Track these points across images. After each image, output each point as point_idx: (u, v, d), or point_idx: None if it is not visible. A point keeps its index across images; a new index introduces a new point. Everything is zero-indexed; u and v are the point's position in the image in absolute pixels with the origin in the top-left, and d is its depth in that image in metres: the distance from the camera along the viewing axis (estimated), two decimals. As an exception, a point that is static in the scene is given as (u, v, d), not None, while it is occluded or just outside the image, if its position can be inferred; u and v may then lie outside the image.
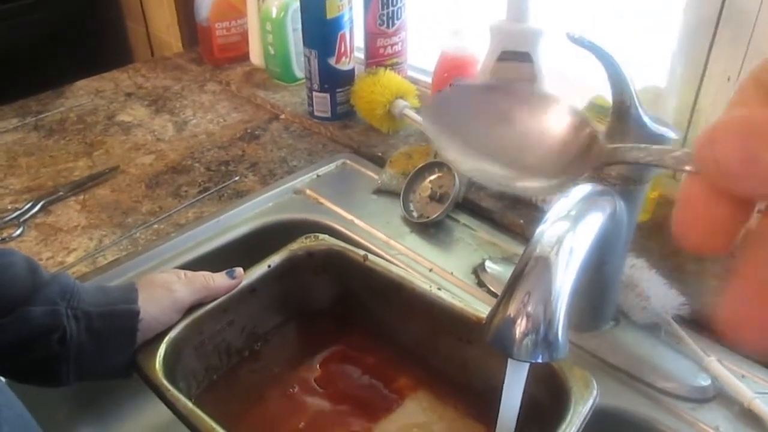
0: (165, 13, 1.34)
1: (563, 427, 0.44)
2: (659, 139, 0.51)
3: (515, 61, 0.79)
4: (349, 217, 0.78)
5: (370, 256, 0.61)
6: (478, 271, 0.70)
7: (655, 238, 0.72)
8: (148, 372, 0.49)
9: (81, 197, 0.84)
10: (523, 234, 0.74)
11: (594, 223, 0.46)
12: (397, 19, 0.93)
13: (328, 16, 0.89)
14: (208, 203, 0.81)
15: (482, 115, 0.31)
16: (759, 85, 0.20)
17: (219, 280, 0.57)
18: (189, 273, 0.57)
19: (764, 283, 0.19)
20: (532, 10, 0.78)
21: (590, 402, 0.47)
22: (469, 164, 0.32)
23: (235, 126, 0.99)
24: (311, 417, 0.56)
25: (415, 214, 0.78)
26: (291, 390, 0.57)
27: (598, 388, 0.49)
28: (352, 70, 0.95)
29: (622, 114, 0.51)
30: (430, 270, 0.70)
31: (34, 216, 0.80)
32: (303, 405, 0.56)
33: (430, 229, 0.76)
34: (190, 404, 0.46)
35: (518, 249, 0.73)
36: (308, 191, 0.83)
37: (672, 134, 0.52)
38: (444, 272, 0.70)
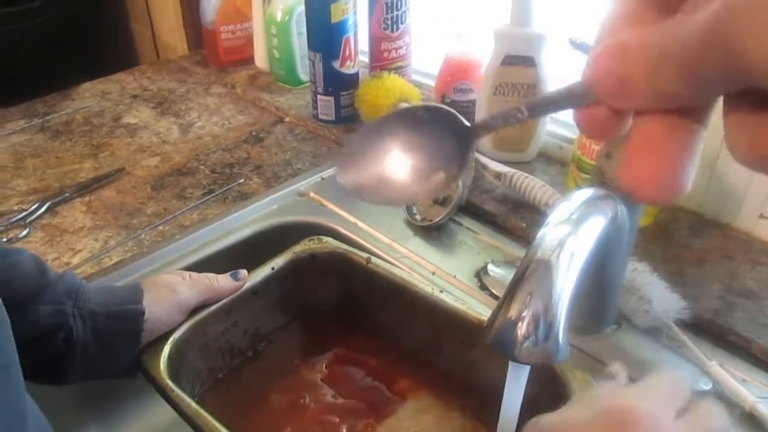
0: (170, 16, 1.35)
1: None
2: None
3: (519, 65, 0.80)
4: (353, 219, 0.79)
5: (373, 259, 0.61)
6: (480, 274, 0.70)
7: (657, 242, 0.72)
8: (153, 372, 0.50)
9: (87, 198, 0.84)
10: (525, 237, 0.75)
11: (595, 226, 0.46)
12: (402, 23, 0.94)
13: (333, 20, 0.90)
14: (213, 205, 0.82)
15: (377, 152, 0.34)
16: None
17: (223, 281, 0.57)
18: (194, 274, 0.57)
19: (650, 143, 0.21)
20: (535, 15, 0.78)
21: None
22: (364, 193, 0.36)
23: (240, 128, 1.00)
24: (314, 418, 0.56)
25: (418, 217, 0.78)
26: (294, 391, 0.58)
27: (598, 391, 0.49)
28: (357, 74, 0.96)
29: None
30: (433, 273, 0.70)
31: (40, 217, 0.80)
32: (306, 406, 0.57)
33: (434, 232, 0.77)
34: (194, 404, 0.46)
35: (521, 252, 0.73)
36: (312, 194, 0.83)
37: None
38: (447, 275, 0.70)
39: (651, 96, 0.20)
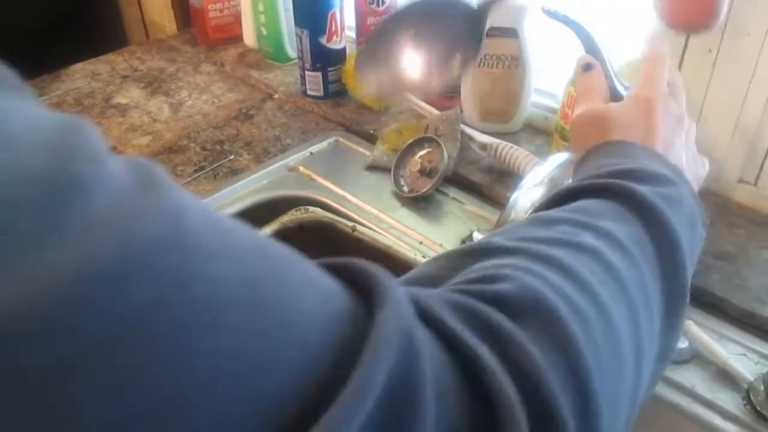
0: (159, -4, 1.35)
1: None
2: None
3: (502, 36, 0.81)
4: (342, 192, 0.80)
5: (358, 227, 0.63)
6: (466, 242, 0.72)
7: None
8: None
9: (80, 178, 0.85)
10: (510, 206, 0.76)
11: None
12: (387, -3, 0.95)
13: (319, -4, 0.90)
14: (204, 182, 0.83)
15: (393, 52, 0.39)
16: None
17: None
18: None
19: None
20: (517, -13, 0.79)
21: None
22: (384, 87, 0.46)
23: (230, 106, 1.01)
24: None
25: (405, 188, 0.80)
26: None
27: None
28: (344, 49, 0.96)
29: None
30: (421, 243, 0.72)
31: (34, 196, 0.82)
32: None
33: (421, 203, 0.78)
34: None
35: (506, 221, 0.75)
36: (302, 168, 0.85)
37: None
38: (434, 244, 0.72)
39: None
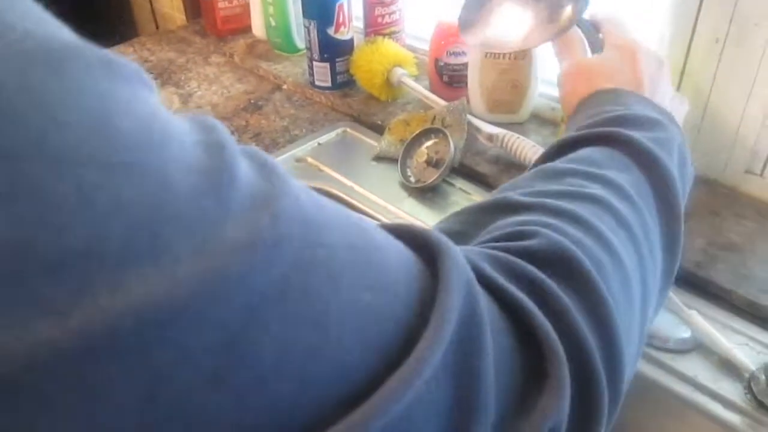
0: (168, -13, 1.36)
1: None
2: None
3: (509, 27, 0.81)
4: (349, 183, 0.81)
5: (363, 217, 0.64)
6: (472, 232, 0.72)
7: (645, 198, 0.74)
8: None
9: (92, 169, 0.87)
10: (516, 197, 0.77)
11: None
12: (395, -12, 0.95)
13: (326, -13, 0.91)
14: (214, 172, 0.84)
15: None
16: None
17: None
18: None
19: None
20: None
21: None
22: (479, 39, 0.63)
23: (239, 97, 1.01)
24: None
25: (412, 179, 0.80)
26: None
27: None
28: (351, 40, 0.97)
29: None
30: (427, 233, 0.73)
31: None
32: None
33: (427, 194, 0.79)
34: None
35: (512, 211, 0.75)
36: (310, 159, 0.86)
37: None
38: (440, 235, 0.72)
39: None
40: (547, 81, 0.89)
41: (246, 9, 1.15)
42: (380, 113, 0.93)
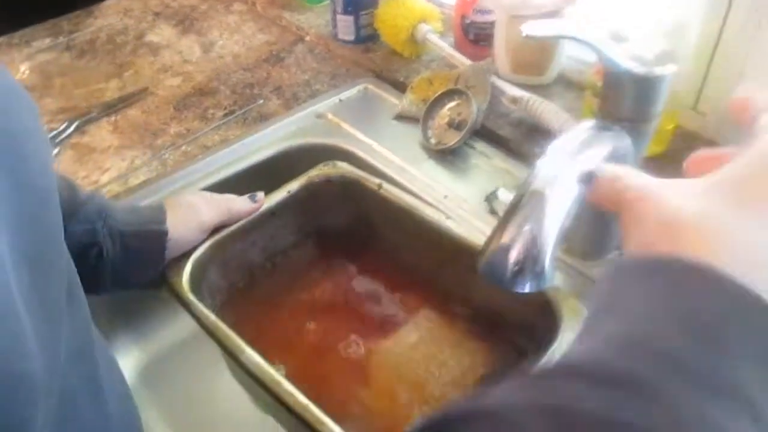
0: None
1: (551, 351, 0.48)
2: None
3: (539, -14, 0.78)
4: (369, 142, 0.80)
5: (384, 185, 0.63)
6: (490, 198, 0.72)
7: (669, 170, 0.72)
8: (176, 288, 0.54)
9: (113, 118, 0.87)
10: (537, 163, 0.76)
11: (594, 159, 0.47)
12: (423, -62, 0.92)
13: (352, -64, 0.88)
14: (234, 126, 0.84)
15: None
16: None
17: (241, 203, 0.61)
18: (215, 195, 0.60)
19: None
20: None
21: (577, 329, 0.50)
22: None
23: (260, 48, 1.00)
24: (326, 329, 0.60)
25: (433, 140, 0.80)
26: (308, 304, 0.62)
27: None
28: (376, -7, 0.94)
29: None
30: (445, 196, 0.72)
31: (69, 136, 0.84)
32: (319, 318, 0.61)
33: (448, 156, 0.78)
34: (212, 317, 0.51)
35: (532, 178, 0.75)
36: (330, 116, 0.85)
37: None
38: (458, 199, 0.72)
39: None
40: (575, 41, 0.86)
41: (270, -46, 1.12)
42: (403, 70, 0.91)
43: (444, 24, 0.93)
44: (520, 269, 0.42)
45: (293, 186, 0.64)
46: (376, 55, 0.94)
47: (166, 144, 0.82)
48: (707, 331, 0.22)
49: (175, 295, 0.53)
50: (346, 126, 0.83)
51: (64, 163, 0.79)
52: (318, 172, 0.65)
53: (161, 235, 0.54)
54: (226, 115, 0.86)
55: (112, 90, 0.92)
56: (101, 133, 0.84)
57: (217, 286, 0.60)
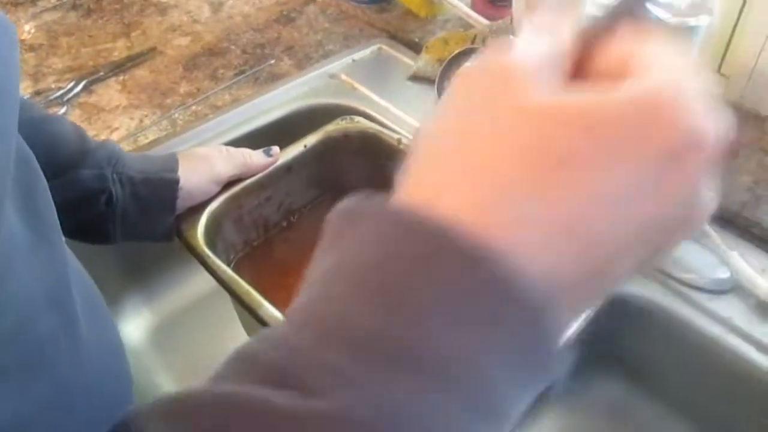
0: None
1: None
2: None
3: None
4: (384, 103, 0.79)
5: (404, 140, 0.62)
6: (508, 160, 0.70)
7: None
8: (192, 241, 0.53)
9: (121, 78, 0.85)
10: (556, 125, 0.74)
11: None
12: None
13: None
14: (244, 86, 0.82)
15: None
16: None
17: (256, 157, 0.59)
18: (230, 149, 0.59)
19: None
20: None
21: None
22: None
23: (271, 8, 0.98)
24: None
25: (449, 102, 0.78)
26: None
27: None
28: (391, -49, 0.92)
29: None
30: (462, 158, 0.71)
31: (77, 95, 0.82)
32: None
33: (464, 118, 0.76)
34: (229, 271, 0.49)
35: (551, 140, 0.73)
36: (343, 76, 0.83)
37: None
38: (475, 161, 0.70)
39: None
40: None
41: None
42: (418, 30, 0.89)
43: (460, -16, 0.90)
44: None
45: (310, 140, 0.62)
46: (390, 15, 0.92)
47: (176, 104, 0.80)
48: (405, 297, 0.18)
49: (190, 248, 0.52)
50: (359, 86, 0.81)
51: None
52: (335, 126, 0.63)
53: (173, 184, 0.52)
54: (236, 75, 0.84)
55: (119, 50, 0.90)
56: (109, 93, 0.83)
57: (231, 243, 0.58)
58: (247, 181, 0.58)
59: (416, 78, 0.82)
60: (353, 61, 0.86)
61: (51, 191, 0.36)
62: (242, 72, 0.85)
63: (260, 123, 0.77)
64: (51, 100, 0.81)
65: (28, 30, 0.96)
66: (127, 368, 0.42)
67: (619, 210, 0.19)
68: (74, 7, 1.00)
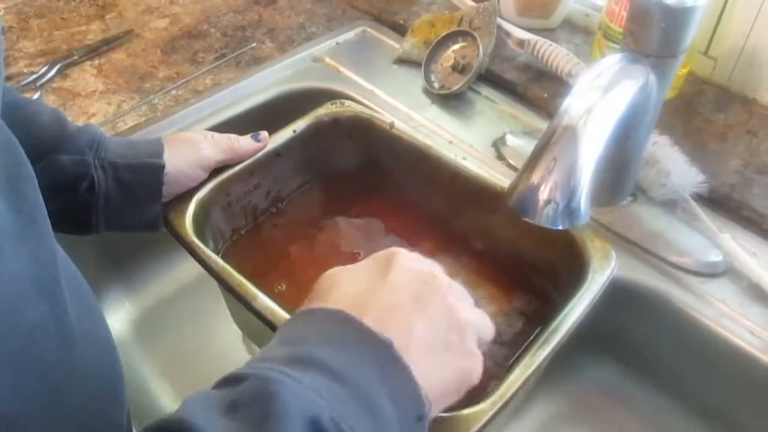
0: None
1: (580, 293, 0.46)
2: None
3: None
4: (369, 87, 0.77)
5: (397, 123, 0.60)
6: (498, 144, 0.69)
7: (680, 115, 0.71)
8: (179, 230, 0.51)
9: (96, 61, 0.82)
10: (545, 108, 0.73)
11: (624, 94, 0.45)
12: None
13: None
14: (226, 70, 0.80)
15: None
16: None
17: (244, 142, 0.57)
18: (216, 134, 0.57)
19: None
20: None
21: (608, 272, 0.48)
22: None
23: (251, -11, 0.95)
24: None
25: (436, 85, 0.76)
26: (314, 248, 0.59)
27: (616, 260, 0.50)
28: (374, -70, 0.90)
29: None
30: (450, 142, 0.70)
31: (50, 80, 0.79)
32: (325, 262, 0.58)
33: (452, 101, 0.75)
34: (219, 260, 0.48)
35: (540, 123, 0.72)
36: (327, 59, 0.81)
37: None
38: (464, 144, 0.70)
39: None
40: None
41: None
42: (403, 12, 0.87)
43: (445, -36, 0.89)
44: (554, 206, 0.39)
45: (299, 125, 0.60)
46: (373, -3, 0.90)
47: (155, 88, 0.77)
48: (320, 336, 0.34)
49: (178, 237, 0.50)
50: (344, 70, 0.80)
51: (46, 107, 0.75)
52: (326, 110, 0.62)
53: (157, 169, 0.50)
54: (217, 58, 0.82)
55: (94, 32, 0.87)
56: (85, 77, 0.80)
57: (220, 231, 0.56)
58: (236, 168, 0.56)
59: (402, 61, 0.81)
60: (337, 44, 0.84)
61: None
62: (223, 55, 0.82)
63: (243, 107, 0.75)
64: (23, 85, 0.77)
65: (-4, 12, 0.92)
66: (119, 361, 0.40)
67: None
68: (45, -13, 0.96)
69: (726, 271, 0.57)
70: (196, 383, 0.65)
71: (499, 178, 0.56)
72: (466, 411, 0.38)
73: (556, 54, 0.73)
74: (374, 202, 0.62)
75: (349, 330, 0.33)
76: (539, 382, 0.61)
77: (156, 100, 0.76)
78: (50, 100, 0.76)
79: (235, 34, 0.86)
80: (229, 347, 0.68)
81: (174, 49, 0.84)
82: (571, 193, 0.39)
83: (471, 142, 0.70)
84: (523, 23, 0.81)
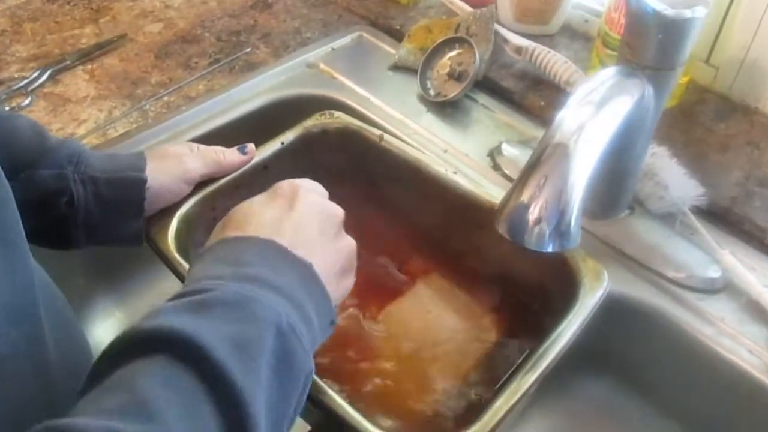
0: None
1: (569, 316, 0.44)
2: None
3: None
4: (364, 93, 0.76)
5: (386, 137, 0.59)
6: (494, 153, 0.68)
7: (680, 125, 0.69)
8: (162, 246, 0.50)
9: (89, 66, 0.81)
10: (542, 116, 0.72)
11: (619, 109, 0.43)
12: None
13: None
14: (219, 75, 0.79)
15: None
16: None
17: (230, 155, 0.56)
18: (201, 146, 0.56)
19: None
20: None
21: (599, 294, 0.47)
22: None
23: (247, -7, 0.94)
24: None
25: (432, 92, 0.75)
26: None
27: (608, 281, 0.49)
28: (371, -66, 0.88)
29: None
30: (445, 151, 0.68)
31: (41, 85, 0.78)
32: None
33: (448, 109, 0.74)
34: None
35: (537, 132, 0.71)
36: (322, 65, 0.80)
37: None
38: (459, 153, 0.68)
39: None
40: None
41: None
42: (399, 17, 0.86)
43: (443, -31, 0.87)
44: (544, 227, 0.38)
45: (288, 137, 0.59)
46: (370, 2, 0.89)
47: (147, 94, 0.76)
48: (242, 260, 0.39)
49: (160, 254, 0.49)
50: (339, 76, 0.78)
51: (36, 114, 0.74)
52: (314, 122, 0.60)
53: (139, 183, 0.49)
54: (210, 63, 0.81)
55: (87, 36, 0.86)
56: (77, 82, 0.79)
57: (203, 245, 0.55)
58: (221, 181, 0.55)
59: (398, 67, 0.80)
60: (332, 49, 0.83)
61: None
62: (217, 61, 0.81)
63: (236, 114, 0.73)
64: (14, 90, 0.77)
65: (-10, 15, 0.91)
66: None
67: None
68: (39, -10, 0.95)
69: (725, 287, 0.56)
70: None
71: (490, 194, 0.55)
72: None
73: (554, 61, 0.72)
74: (364, 218, 0.61)
75: (279, 255, 0.40)
76: (534, 399, 0.60)
77: (148, 107, 0.75)
78: (41, 106, 0.75)
79: (230, 39, 0.85)
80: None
81: (167, 54, 0.83)
82: (560, 215, 0.38)
83: (466, 152, 0.69)
84: (521, 29, 0.80)
